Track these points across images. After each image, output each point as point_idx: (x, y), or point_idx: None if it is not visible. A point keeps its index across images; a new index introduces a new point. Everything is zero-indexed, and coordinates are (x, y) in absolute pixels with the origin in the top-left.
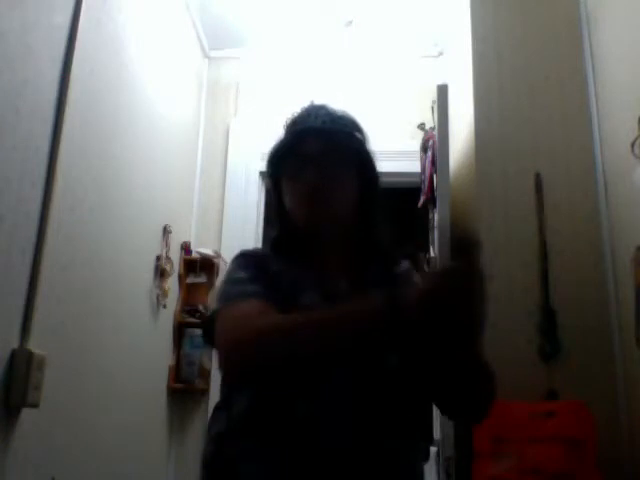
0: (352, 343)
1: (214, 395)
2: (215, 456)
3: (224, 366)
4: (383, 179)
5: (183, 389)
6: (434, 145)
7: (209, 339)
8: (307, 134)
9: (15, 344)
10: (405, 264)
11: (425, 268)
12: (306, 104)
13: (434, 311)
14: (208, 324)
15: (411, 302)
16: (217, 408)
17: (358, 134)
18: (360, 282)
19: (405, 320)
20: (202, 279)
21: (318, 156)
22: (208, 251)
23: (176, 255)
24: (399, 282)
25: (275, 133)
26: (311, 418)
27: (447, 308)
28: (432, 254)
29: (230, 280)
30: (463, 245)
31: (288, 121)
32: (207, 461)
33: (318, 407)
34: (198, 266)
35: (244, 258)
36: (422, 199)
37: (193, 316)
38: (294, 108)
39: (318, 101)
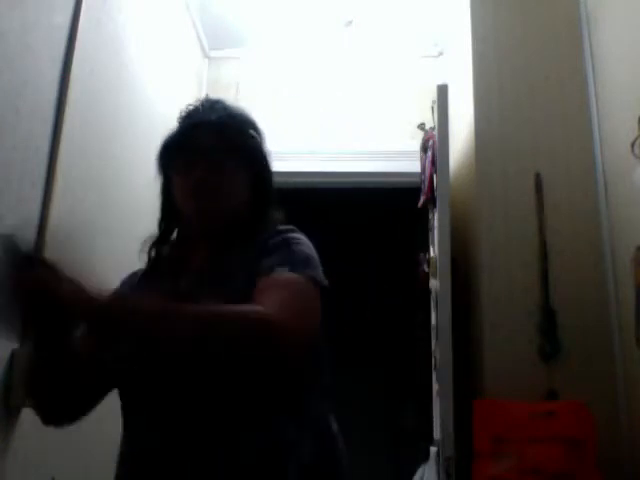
0: None
1: None
2: None
3: None
4: (383, 179)
5: None
6: (434, 145)
7: None
8: (199, 127)
9: (15, 344)
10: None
11: (425, 268)
12: (203, 98)
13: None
14: None
15: None
16: None
17: (253, 132)
18: (206, 277)
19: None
20: None
21: (208, 150)
22: None
23: None
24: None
25: (275, 133)
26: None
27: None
28: (432, 254)
29: None
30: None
31: (182, 113)
32: None
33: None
34: None
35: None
36: (422, 199)
37: None
38: (294, 108)
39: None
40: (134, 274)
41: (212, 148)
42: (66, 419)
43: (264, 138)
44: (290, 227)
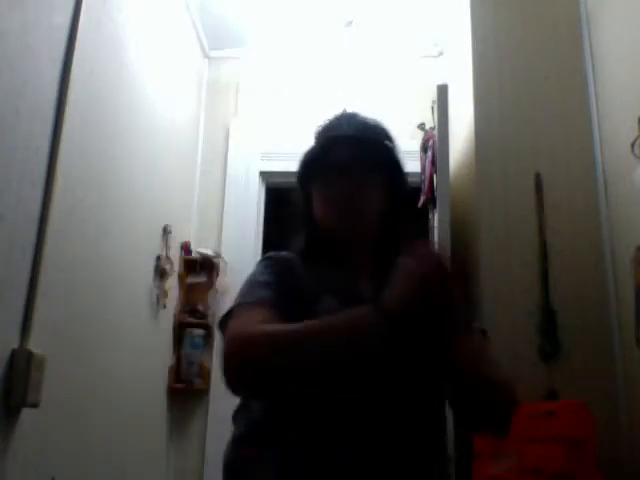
0: (347, 354)
1: (214, 395)
2: (233, 458)
3: (224, 380)
4: None
5: (183, 389)
6: (434, 145)
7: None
8: (339, 142)
9: (15, 344)
10: None
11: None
12: (338, 112)
13: (420, 305)
14: (223, 321)
15: (397, 302)
16: (237, 410)
17: (388, 143)
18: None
19: (395, 319)
20: (202, 279)
21: (349, 164)
22: (208, 251)
23: (176, 255)
24: None
25: (275, 133)
26: (333, 428)
27: (430, 300)
28: None
29: (250, 280)
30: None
31: (319, 128)
32: (226, 463)
33: (342, 416)
34: (198, 266)
35: (270, 261)
36: (422, 199)
37: (193, 316)
38: (294, 108)
39: (348, 109)
40: (288, 260)
41: (354, 163)
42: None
43: (399, 148)
44: None
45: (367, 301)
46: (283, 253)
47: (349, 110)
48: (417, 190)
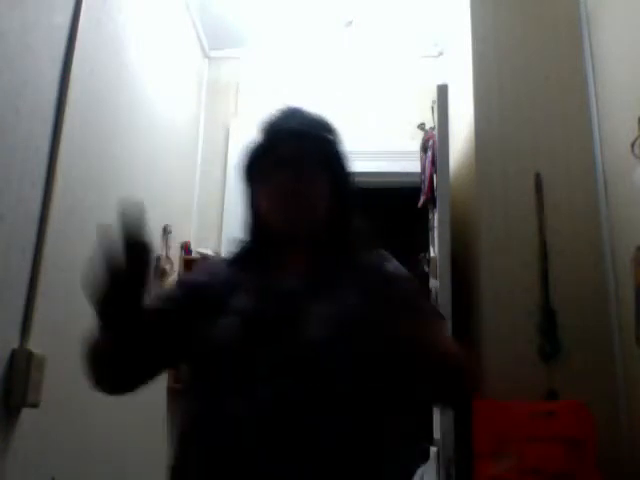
0: None
1: None
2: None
3: None
4: (383, 179)
5: None
6: (434, 145)
7: None
8: (284, 136)
9: (15, 344)
10: (387, 263)
11: (425, 269)
12: (280, 107)
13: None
14: None
15: None
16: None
17: (331, 137)
18: (316, 281)
19: None
20: None
21: (292, 159)
22: (208, 251)
23: (176, 255)
24: (363, 276)
25: None
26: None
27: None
28: (432, 254)
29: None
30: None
31: (262, 124)
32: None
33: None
34: None
35: (196, 267)
36: (422, 199)
37: None
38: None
39: (300, 103)
40: (214, 263)
41: (296, 157)
42: (128, 388)
43: (342, 142)
44: (386, 253)
45: (284, 297)
46: (216, 258)
47: (293, 105)
48: (417, 190)
